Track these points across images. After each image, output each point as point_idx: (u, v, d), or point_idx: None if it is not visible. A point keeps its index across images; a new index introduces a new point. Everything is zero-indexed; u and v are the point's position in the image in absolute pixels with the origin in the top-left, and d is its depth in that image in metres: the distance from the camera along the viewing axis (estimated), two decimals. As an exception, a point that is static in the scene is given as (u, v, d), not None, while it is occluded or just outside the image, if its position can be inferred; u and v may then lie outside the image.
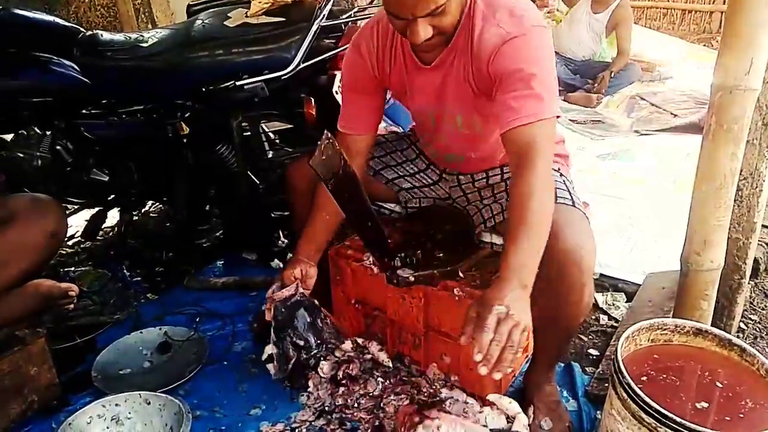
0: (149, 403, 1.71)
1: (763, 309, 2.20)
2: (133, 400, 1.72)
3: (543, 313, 1.58)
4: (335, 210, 1.63)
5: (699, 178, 1.62)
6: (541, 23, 1.47)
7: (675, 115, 4.25)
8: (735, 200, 1.72)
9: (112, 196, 2.54)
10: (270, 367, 1.78)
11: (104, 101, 2.34)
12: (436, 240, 1.83)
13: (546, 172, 1.40)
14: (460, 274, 1.73)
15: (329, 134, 1.41)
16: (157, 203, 3.03)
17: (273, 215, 2.51)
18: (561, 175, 1.69)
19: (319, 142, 1.38)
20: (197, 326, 2.12)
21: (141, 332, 2.09)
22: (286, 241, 2.62)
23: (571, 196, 1.57)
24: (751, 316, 2.15)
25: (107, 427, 1.68)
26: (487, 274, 1.74)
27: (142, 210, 3.07)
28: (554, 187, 1.44)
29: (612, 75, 4.72)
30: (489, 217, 1.69)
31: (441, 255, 1.77)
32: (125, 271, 2.58)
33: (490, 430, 1.56)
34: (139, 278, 2.55)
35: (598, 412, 1.73)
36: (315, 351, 1.80)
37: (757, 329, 2.09)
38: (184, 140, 2.29)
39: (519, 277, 1.27)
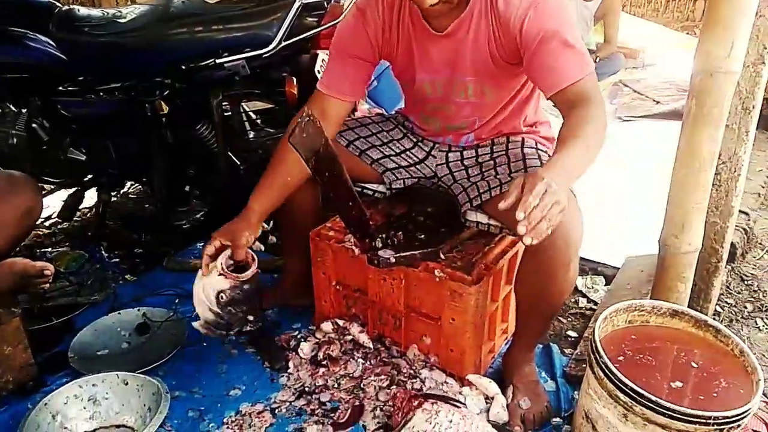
0: (127, 384, 1.70)
1: (738, 293, 2.23)
2: (110, 380, 1.70)
3: (528, 290, 1.60)
4: (297, 173, 1.62)
5: (678, 161, 1.63)
6: None
7: (657, 102, 4.28)
8: (713, 184, 1.74)
9: (90, 175, 2.50)
10: (197, 325, 1.70)
11: (81, 78, 2.29)
12: (418, 221, 1.83)
13: (601, 111, 1.40)
14: (442, 256, 1.73)
15: (310, 112, 1.39)
16: (136, 184, 2.99)
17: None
18: (547, 154, 1.69)
19: (299, 119, 1.36)
20: (176, 307, 2.09)
21: (119, 313, 2.07)
22: (267, 227, 2.59)
23: None
24: (727, 300, 2.18)
25: (84, 408, 1.66)
26: (469, 255, 1.74)
27: (121, 190, 3.04)
28: (605, 129, 1.42)
29: (597, 61, 4.72)
30: (475, 195, 1.68)
31: (422, 236, 1.76)
32: (103, 252, 2.54)
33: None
34: (117, 259, 2.52)
35: (575, 392, 1.75)
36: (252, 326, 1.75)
37: (733, 312, 2.12)
38: (163, 119, 2.26)
39: (566, 172, 1.27)
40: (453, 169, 1.79)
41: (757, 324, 2.08)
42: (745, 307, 2.16)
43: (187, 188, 2.72)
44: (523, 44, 1.47)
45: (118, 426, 1.67)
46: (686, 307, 1.62)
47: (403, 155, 1.86)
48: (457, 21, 1.53)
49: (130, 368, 1.75)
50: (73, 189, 2.59)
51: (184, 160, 2.39)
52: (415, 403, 1.57)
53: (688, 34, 5.99)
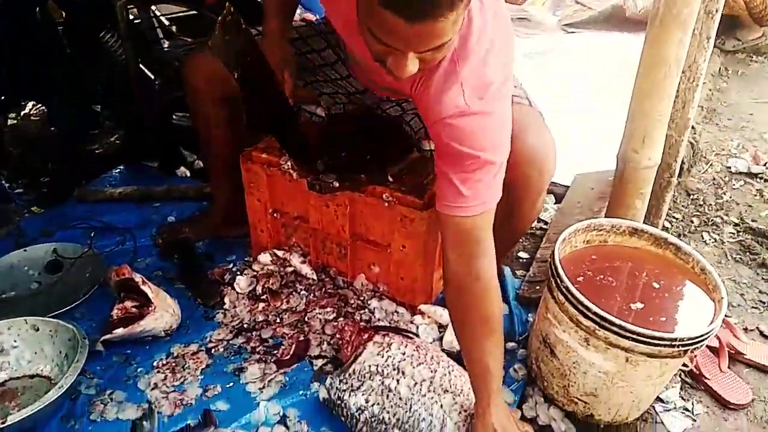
0: (38, 330, 1.51)
1: (685, 207, 2.22)
2: (18, 326, 1.51)
3: (495, 214, 1.48)
4: None
5: (643, 68, 1.51)
6: (508, 93, 1.22)
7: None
8: (672, 95, 1.65)
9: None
10: None
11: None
12: (363, 142, 1.65)
13: (491, 268, 1.24)
14: (390, 178, 1.57)
15: (232, 8, 1.16)
16: (38, 104, 2.63)
17: (174, 117, 2.22)
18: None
19: (219, 18, 1.13)
20: (92, 242, 1.86)
21: (25, 250, 1.84)
22: (193, 157, 2.34)
23: (527, 96, 1.44)
24: (675, 215, 2.16)
25: (-11, 359, 1.47)
26: (420, 177, 1.60)
27: (21, 112, 2.67)
28: (498, 284, 1.27)
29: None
30: (420, 127, 1.52)
31: (368, 157, 1.60)
32: (4, 182, 2.24)
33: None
34: (20, 190, 2.23)
35: (529, 315, 1.69)
36: None
37: (681, 227, 2.11)
38: (59, 27, 1.93)
39: (496, 394, 1.24)
40: (400, 100, 1.59)
41: (703, 238, 2.07)
42: (692, 222, 2.15)
43: (97, 109, 2.43)
44: (439, 141, 1.21)
45: (32, 376, 1.50)
46: (644, 224, 1.55)
47: (339, 83, 1.61)
48: None
49: (42, 312, 1.57)
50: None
51: (87, 75, 2.07)
52: (365, 336, 1.46)
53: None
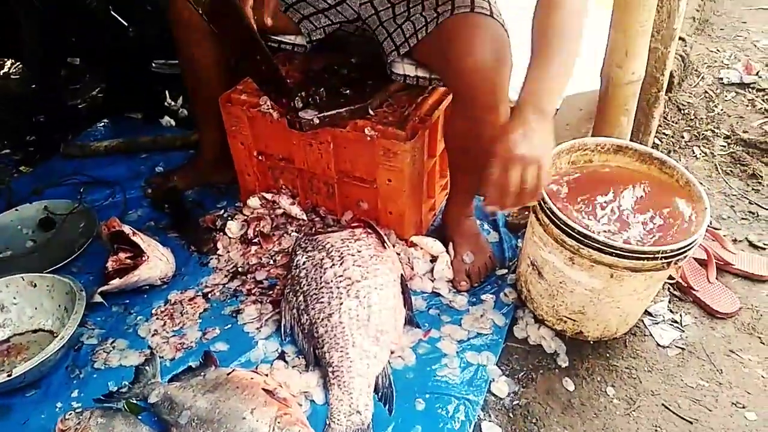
0: (35, 286, 1.54)
1: (675, 123, 2.19)
2: (15, 284, 1.54)
3: (457, 142, 1.47)
4: None
5: (623, -21, 1.46)
6: None
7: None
8: (655, 6, 1.59)
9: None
10: None
11: None
12: (342, 74, 1.62)
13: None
14: (371, 112, 1.55)
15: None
16: (15, 62, 2.58)
17: (154, 64, 2.17)
18: None
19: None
20: (82, 197, 1.87)
21: (17, 210, 1.84)
22: (177, 105, 2.30)
23: (489, 6, 1.38)
24: (665, 131, 2.14)
25: (-9, 317, 1.50)
26: (401, 108, 1.58)
27: (0, 72, 2.63)
28: (586, 12, 1.23)
29: None
30: (402, 42, 1.47)
31: (348, 91, 1.57)
32: (-12, 143, 2.23)
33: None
34: (7, 150, 2.22)
35: (519, 241, 1.70)
36: None
37: (671, 143, 2.09)
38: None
39: (537, 102, 1.15)
40: (378, 7, 1.54)
41: (694, 153, 2.06)
42: (683, 137, 2.13)
43: (76, 62, 2.38)
44: None
45: (34, 331, 1.54)
46: (629, 141, 1.54)
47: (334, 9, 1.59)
48: None
49: (39, 268, 1.59)
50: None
51: (58, 25, 2.02)
52: (354, 224, 1.62)
53: None
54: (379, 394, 1.31)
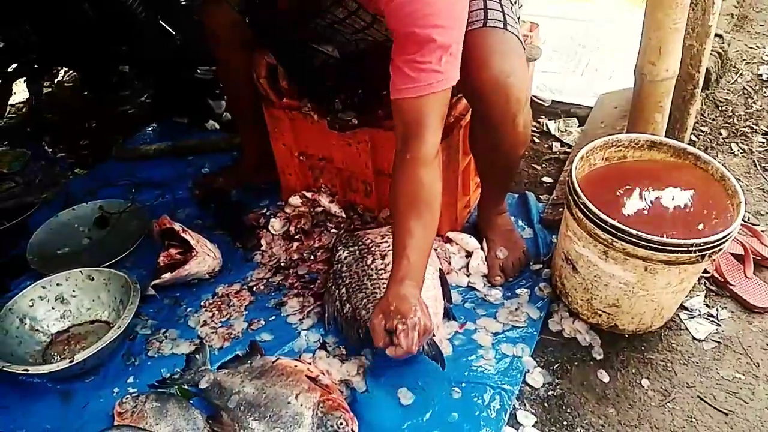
0: (93, 279, 1.63)
1: (713, 120, 2.18)
2: (74, 278, 1.63)
3: (480, 147, 1.52)
4: None
5: (656, -23, 1.48)
6: None
7: None
8: (689, 3, 1.60)
9: (13, 65, 2.24)
10: None
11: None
12: (377, 76, 1.67)
13: (432, 152, 1.27)
14: (406, 111, 1.60)
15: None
16: (69, 70, 2.73)
17: (199, 71, 2.28)
18: None
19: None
20: (133, 197, 1.98)
21: (74, 209, 1.95)
22: (221, 108, 2.39)
23: (504, 18, 1.39)
24: (702, 128, 2.13)
25: (52, 308, 1.61)
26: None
27: (55, 79, 2.78)
28: (440, 171, 1.32)
29: None
30: None
31: (384, 92, 1.62)
32: (47, 147, 2.36)
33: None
34: (63, 154, 2.35)
35: (553, 236, 1.73)
36: None
37: (708, 140, 2.08)
38: (81, -8, 1.98)
39: (411, 279, 1.25)
40: None
41: (732, 149, 2.04)
42: (720, 134, 2.11)
43: (125, 69, 2.50)
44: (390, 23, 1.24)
45: (92, 322, 1.63)
46: (663, 137, 1.55)
47: (347, 21, 1.59)
48: None
49: (95, 264, 1.69)
50: (-3, 83, 2.34)
51: (111, 36, 2.13)
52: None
53: None
54: (429, 356, 1.36)
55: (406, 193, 1.28)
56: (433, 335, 1.35)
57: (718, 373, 1.39)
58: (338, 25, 1.60)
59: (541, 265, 1.66)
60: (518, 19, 1.49)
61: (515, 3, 1.48)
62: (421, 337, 1.22)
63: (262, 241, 1.81)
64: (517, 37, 1.40)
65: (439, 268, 1.56)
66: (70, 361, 1.39)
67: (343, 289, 1.51)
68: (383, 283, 1.44)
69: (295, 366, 1.37)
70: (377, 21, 1.58)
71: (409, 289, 1.24)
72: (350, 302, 1.47)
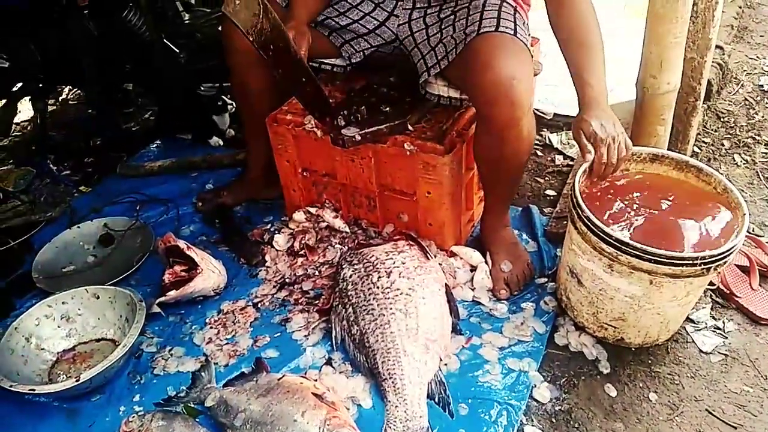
0: (98, 297, 1.64)
1: (715, 131, 2.18)
2: (80, 296, 1.63)
3: (484, 155, 1.53)
4: None
5: (656, -8, 1.49)
6: None
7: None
8: (690, 16, 1.62)
9: (18, 84, 2.26)
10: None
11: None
12: (381, 93, 1.69)
13: None
14: (410, 127, 1.61)
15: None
16: (73, 88, 2.75)
17: (202, 88, 2.29)
18: (514, 9, 1.53)
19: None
20: (138, 214, 1.99)
21: (79, 227, 1.96)
22: (225, 125, 2.41)
23: (515, 27, 1.44)
24: (704, 139, 2.14)
25: (58, 326, 1.61)
26: (439, 123, 1.63)
27: (59, 98, 2.80)
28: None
29: None
30: (434, 63, 1.54)
31: (387, 109, 1.63)
32: (51, 165, 2.37)
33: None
34: (68, 171, 2.36)
35: (558, 250, 1.73)
36: None
37: (711, 151, 2.09)
38: (85, 10, 2.00)
39: (597, 96, 1.32)
40: (414, 29, 1.62)
41: (735, 160, 2.05)
42: (723, 145, 2.12)
43: (130, 87, 2.52)
44: None
45: (98, 340, 1.63)
46: (665, 150, 1.56)
47: (361, 22, 1.67)
48: None
49: (101, 281, 1.69)
50: (2, 102, 2.35)
51: (115, 54, 2.15)
52: (396, 237, 1.67)
53: None
54: (436, 399, 1.35)
55: (569, 28, 1.37)
56: (440, 373, 1.37)
57: (725, 386, 1.39)
58: (353, 26, 1.63)
59: (546, 279, 1.66)
60: (529, 35, 1.53)
61: (525, 24, 1.51)
62: (620, 160, 1.33)
63: (267, 257, 1.82)
64: (526, 46, 1.43)
65: (445, 284, 1.56)
66: (76, 380, 1.39)
67: (350, 309, 1.50)
68: (390, 303, 1.45)
69: (301, 383, 1.36)
70: (393, 16, 1.62)
71: (605, 108, 1.32)
72: (358, 324, 1.46)
